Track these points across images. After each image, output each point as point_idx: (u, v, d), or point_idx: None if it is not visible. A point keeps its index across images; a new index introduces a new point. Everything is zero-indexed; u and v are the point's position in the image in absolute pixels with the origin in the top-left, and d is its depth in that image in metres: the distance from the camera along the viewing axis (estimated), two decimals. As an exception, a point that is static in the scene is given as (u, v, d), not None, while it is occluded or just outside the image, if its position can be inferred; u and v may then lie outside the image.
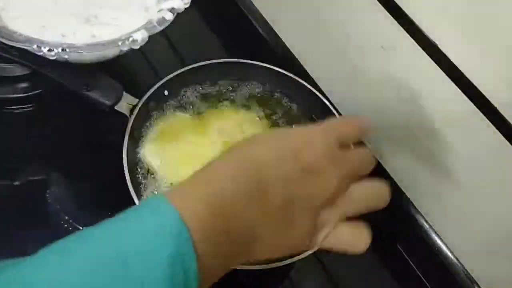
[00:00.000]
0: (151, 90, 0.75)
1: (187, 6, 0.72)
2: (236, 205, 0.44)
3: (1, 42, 0.75)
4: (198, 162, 0.72)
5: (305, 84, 0.79)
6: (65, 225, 0.73)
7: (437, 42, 0.61)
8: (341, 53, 0.78)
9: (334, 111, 0.77)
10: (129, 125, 0.71)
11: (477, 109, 0.60)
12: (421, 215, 0.76)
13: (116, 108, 0.72)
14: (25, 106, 0.84)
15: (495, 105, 0.57)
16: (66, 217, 0.74)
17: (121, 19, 0.75)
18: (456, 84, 0.61)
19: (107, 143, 0.81)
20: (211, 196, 0.43)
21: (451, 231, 0.74)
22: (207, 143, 0.75)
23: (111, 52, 0.72)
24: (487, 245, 0.69)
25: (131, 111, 0.72)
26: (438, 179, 0.71)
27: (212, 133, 0.76)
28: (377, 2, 0.67)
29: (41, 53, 0.66)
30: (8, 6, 0.74)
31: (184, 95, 0.79)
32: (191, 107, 0.78)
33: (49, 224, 0.74)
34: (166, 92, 0.77)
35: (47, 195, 0.75)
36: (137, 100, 0.74)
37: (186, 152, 0.74)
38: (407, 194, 0.77)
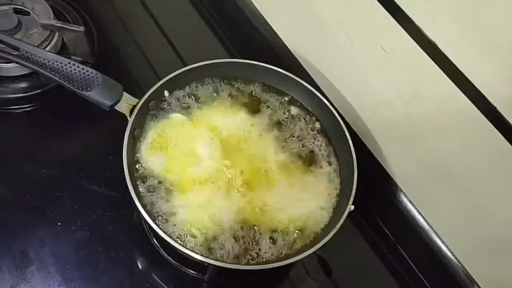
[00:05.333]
0: (151, 90, 0.75)
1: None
2: None
3: (1, 42, 0.75)
4: (194, 161, 0.73)
5: (304, 83, 0.79)
6: (64, 226, 0.74)
7: (437, 42, 0.61)
8: (341, 53, 0.78)
9: (333, 110, 0.77)
10: (129, 125, 0.71)
11: (476, 109, 0.60)
12: (421, 215, 0.76)
13: (116, 108, 0.72)
14: (25, 106, 0.84)
15: (495, 104, 0.57)
16: (66, 218, 0.75)
17: None
18: (456, 84, 0.61)
19: (107, 143, 0.80)
20: None
21: (451, 231, 0.74)
22: (204, 142, 0.75)
23: None
24: (487, 245, 0.69)
25: (131, 111, 0.72)
26: (438, 179, 0.71)
27: (208, 132, 0.76)
28: (377, 2, 0.67)
29: None
30: None
31: (181, 94, 0.79)
32: (187, 107, 0.78)
33: (49, 224, 0.74)
34: (166, 92, 0.77)
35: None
36: (137, 100, 0.74)
37: (184, 152, 0.74)
38: (407, 194, 0.78)
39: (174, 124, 0.76)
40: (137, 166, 0.71)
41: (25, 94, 0.84)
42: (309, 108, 0.81)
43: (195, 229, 0.68)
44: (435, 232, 0.75)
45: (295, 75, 0.80)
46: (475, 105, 0.60)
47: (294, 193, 0.73)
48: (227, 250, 0.67)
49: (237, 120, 0.78)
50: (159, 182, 0.70)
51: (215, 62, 0.80)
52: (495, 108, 0.57)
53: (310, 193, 0.74)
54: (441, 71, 0.62)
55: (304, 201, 0.73)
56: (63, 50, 0.88)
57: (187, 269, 0.73)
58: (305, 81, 0.80)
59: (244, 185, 0.72)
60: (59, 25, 0.85)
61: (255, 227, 0.69)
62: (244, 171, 0.73)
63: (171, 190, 0.70)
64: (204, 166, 0.73)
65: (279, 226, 0.70)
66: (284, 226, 0.70)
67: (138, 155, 0.72)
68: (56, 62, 0.73)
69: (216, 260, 0.65)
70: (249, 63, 0.81)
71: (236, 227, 0.69)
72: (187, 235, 0.67)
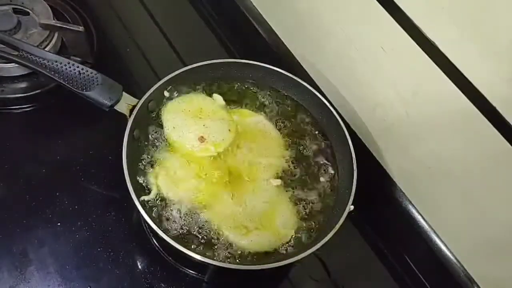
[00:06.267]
0: (151, 90, 0.75)
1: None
2: None
3: (1, 42, 0.75)
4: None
5: (304, 83, 0.79)
6: (64, 226, 0.74)
7: (436, 42, 0.61)
8: (341, 54, 0.78)
9: (333, 110, 0.77)
10: (129, 125, 0.71)
11: (476, 109, 0.60)
12: (421, 215, 0.76)
13: (116, 108, 0.72)
14: (25, 106, 0.84)
15: (494, 104, 0.57)
16: (65, 218, 0.75)
17: None
18: (455, 84, 0.61)
19: (107, 143, 0.81)
20: None
21: (451, 231, 0.74)
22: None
23: None
24: (486, 245, 0.69)
25: (131, 111, 0.72)
26: (438, 179, 0.71)
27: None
28: (377, 3, 0.67)
29: None
30: None
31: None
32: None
33: (48, 225, 0.74)
34: (166, 93, 0.77)
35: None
36: (136, 100, 0.74)
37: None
38: (407, 194, 0.78)
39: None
40: (136, 167, 0.71)
41: (25, 94, 0.84)
42: (308, 108, 0.81)
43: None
44: (435, 232, 0.75)
45: (295, 75, 0.80)
46: (475, 105, 0.60)
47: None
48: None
49: (235, 119, 0.78)
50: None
51: (215, 62, 0.80)
52: (494, 108, 0.57)
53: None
54: (440, 71, 0.62)
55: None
56: (62, 50, 0.88)
57: (187, 269, 0.73)
58: (305, 81, 0.80)
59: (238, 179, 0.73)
60: (58, 25, 0.85)
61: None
62: (241, 167, 0.74)
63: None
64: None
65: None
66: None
67: (141, 159, 0.72)
68: (56, 62, 0.73)
69: (216, 260, 0.65)
70: (249, 63, 0.81)
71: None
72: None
